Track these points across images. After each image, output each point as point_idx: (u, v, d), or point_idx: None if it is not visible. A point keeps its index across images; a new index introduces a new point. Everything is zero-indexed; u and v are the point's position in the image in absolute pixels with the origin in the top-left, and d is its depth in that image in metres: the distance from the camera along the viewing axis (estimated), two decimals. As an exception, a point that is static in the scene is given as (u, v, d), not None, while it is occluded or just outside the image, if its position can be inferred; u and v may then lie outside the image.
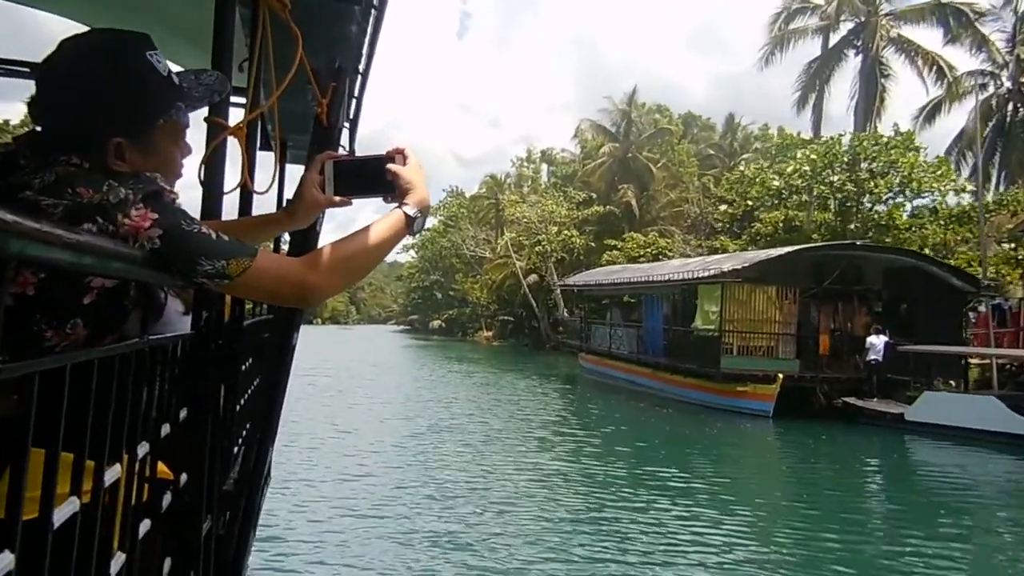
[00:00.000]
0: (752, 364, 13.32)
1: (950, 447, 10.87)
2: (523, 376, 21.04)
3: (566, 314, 34.44)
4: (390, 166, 1.05)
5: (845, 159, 17.27)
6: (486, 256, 45.14)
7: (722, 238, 27.99)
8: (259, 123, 1.63)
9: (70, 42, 0.91)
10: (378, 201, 1.09)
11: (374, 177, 1.07)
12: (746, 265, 13.20)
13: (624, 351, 17.96)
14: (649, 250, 28.93)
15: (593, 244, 33.35)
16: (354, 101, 2.05)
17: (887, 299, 14.15)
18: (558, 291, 34.29)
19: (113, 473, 0.72)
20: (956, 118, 25.75)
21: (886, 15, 22.20)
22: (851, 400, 12.97)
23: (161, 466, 0.93)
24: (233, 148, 1.16)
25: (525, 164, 46.92)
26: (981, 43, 20.59)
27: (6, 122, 20.57)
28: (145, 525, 0.85)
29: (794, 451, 11.22)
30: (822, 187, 17.82)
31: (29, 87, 0.94)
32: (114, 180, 0.83)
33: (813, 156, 17.57)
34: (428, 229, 55.77)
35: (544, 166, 45.80)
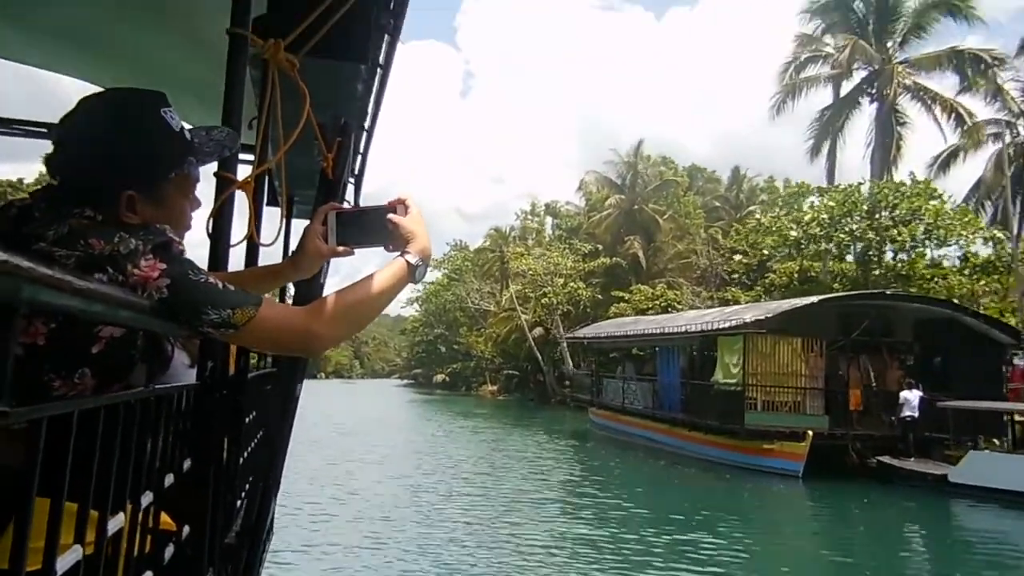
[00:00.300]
0: (778, 420, 12.96)
1: (1000, 512, 10.34)
2: (532, 432, 20.70)
3: (572, 368, 34.14)
4: (391, 216, 1.09)
5: (864, 207, 17.40)
6: (490, 309, 45.17)
7: (733, 289, 27.94)
8: (266, 178, 1.71)
9: (88, 101, 0.98)
10: (382, 252, 1.12)
11: (376, 227, 1.11)
12: (769, 316, 13.09)
13: (639, 406, 17.60)
14: (658, 302, 28.84)
15: (600, 296, 33.35)
16: (359, 157, 2.14)
17: (919, 352, 13.88)
18: (564, 344, 34.00)
19: (116, 523, 0.72)
20: (971, 168, 26.02)
21: (901, 63, 22.58)
22: (886, 459, 12.49)
23: (164, 517, 0.95)
24: (241, 202, 1.22)
25: (529, 217, 47.57)
26: (996, 92, 21.10)
27: (20, 180, 21.44)
28: None
29: (831, 516, 10.72)
30: (842, 235, 17.83)
31: (45, 147, 1.00)
32: (125, 232, 0.88)
33: (831, 203, 17.73)
34: (432, 282, 56.50)
35: (548, 219, 46.47)
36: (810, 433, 12.31)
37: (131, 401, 0.74)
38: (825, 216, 17.70)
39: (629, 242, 33.96)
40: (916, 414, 12.44)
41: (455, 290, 49.83)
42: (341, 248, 1.14)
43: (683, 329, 15.32)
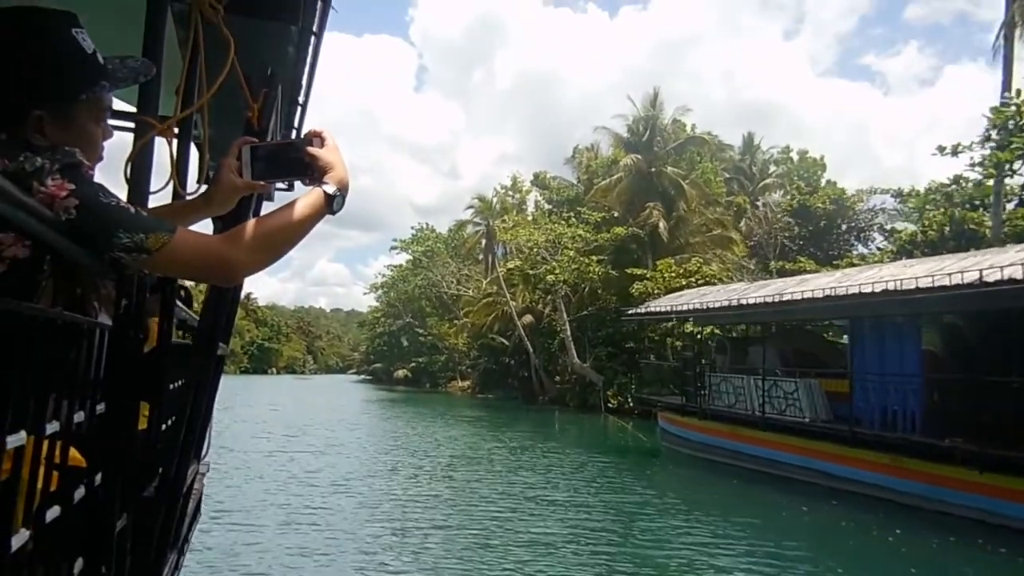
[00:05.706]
0: None
1: None
2: (572, 449, 13.50)
3: (577, 360, 26.89)
4: (308, 148, 1.02)
5: None
6: (467, 295, 37.58)
7: (802, 259, 21.30)
8: (192, 133, 1.44)
9: None
10: None
11: (292, 160, 1.04)
12: None
13: (803, 416, 9.80)
14: (693, 279, 22.39)
15: (615, 273, 25.99)
16: (294, 133, 2.03)
17: None
18: (568, 332, 26.76)
19: (18, 439, 0.68)
20: None
21: None
22: None
23: (75, 454, 0.90)
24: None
25: (510, 193, 39.91)
26: None
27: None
28: (54, 512, 0.82)
29: None
30: None
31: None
32: (31, 151, 0.82)
33: None
34: (395, 267, 48.10)
35: (534, 194, 38.93)
36: None
37: (36, 316, 0.69)
38: None
39: (648, 210, 26.49)
40: None
41: (425, 274, 41.43)
42: (257, 182, 1.07)
43: (969, 280, 7.33)
